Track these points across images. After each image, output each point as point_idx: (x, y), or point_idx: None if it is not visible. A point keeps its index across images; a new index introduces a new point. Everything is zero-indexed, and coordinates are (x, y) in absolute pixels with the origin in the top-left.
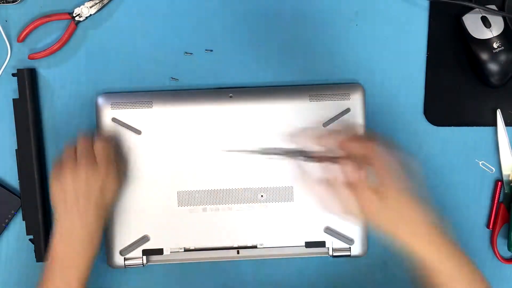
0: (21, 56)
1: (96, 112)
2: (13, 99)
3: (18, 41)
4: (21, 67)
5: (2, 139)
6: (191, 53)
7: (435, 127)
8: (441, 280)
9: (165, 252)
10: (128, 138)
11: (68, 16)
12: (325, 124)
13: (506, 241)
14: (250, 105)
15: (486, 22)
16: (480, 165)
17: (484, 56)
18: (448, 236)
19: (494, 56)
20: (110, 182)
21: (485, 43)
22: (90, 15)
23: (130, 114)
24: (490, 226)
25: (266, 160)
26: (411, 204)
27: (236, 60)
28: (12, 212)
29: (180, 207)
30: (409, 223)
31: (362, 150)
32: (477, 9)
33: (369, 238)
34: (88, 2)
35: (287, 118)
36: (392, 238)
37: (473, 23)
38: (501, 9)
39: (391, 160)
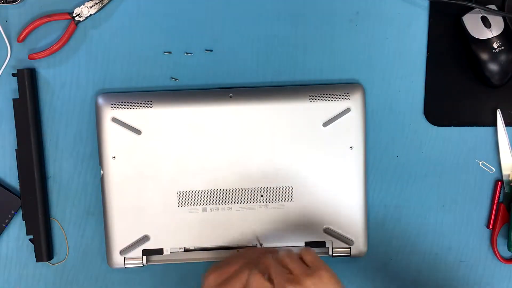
0: (21, 56)
1: (96, 112)
2: (13, 99)
3: (18, 41)
4: (21, 67)
5: (2, 139)
6: (191, 53)
7: (435, 127)
8: None
9: (165, 252)
10: (128, 138)
11: (68, 16)
12: (325, 124)
13: (506, 241)
14: (250, 105)
15: (486, 22)
16: (480, 165)
17: (484, 56)
18: None
19: (494, 56)
20: None
21: (485, 43)
22: (90, 15)
23: (130, 114)
24: (490, 226)
25: (266, 160)
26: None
27: (236, 60)
28: (12, 212)
29: (180, 207)
30: None
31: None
32: (477, 9)
33: (369, 238)
34: (88, 2)
35: (287, 118)
36: None
37: (473, 23)
38: (501, 9)
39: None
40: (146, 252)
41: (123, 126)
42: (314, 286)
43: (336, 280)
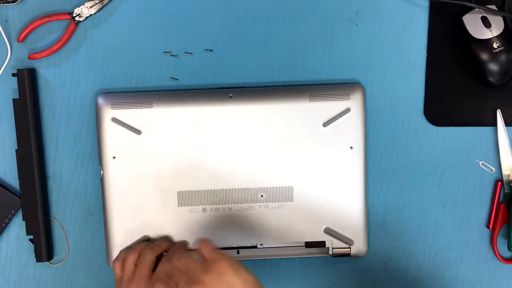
0: (21, 56)
1: (96, 112)
2: (13, 99)
3: (18, 41)
4: (21, 67)
5: (2, 139)
6: (191, 53)
7: (435, 127)
8: None
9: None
10: (128, 138)
11: (68, 16)
12: (325, 124)
13: (506, 241)
14: (250, 105)
15: (486, 22)
16: (480, 165)
17: (484, 56)
18: None
19: (494, 56)
20: None
21: (485, 43)
22: (90, 15)
23: (130, 114)
24: (490, 226)
25: (266, 160)
26: None
27: (236, 60)
28: (12, 212)
29: (180, 207)
30: None
31: None
32: (477, 9)
33: (369, 238)
34: (88, 2)
35: (287, 118)
36: None
37: (473, 23)
38: (501, 9)
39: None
40: None
41: (123, 126)
42: (213, 281)
43: (236, 268)
